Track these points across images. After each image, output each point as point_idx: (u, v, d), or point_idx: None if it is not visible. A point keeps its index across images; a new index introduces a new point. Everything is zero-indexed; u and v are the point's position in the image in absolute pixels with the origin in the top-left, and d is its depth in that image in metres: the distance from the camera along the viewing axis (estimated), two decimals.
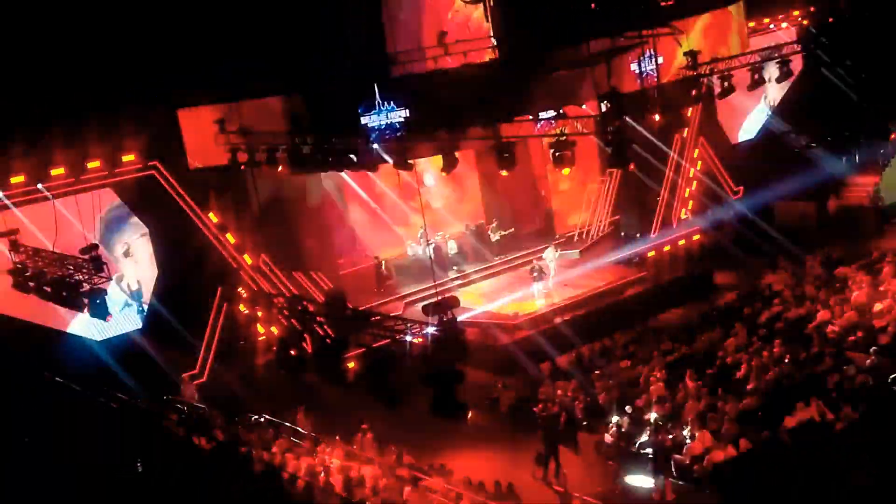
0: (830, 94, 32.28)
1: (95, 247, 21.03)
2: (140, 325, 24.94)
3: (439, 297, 17.71)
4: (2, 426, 20.71)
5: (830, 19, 32.96)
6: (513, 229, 32.68)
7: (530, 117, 26.14)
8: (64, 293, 20.21)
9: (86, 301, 19.69)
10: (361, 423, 20.91)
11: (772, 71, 27.62)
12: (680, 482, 17.88)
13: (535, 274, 28.00)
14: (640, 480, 18.37)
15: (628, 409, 20.12)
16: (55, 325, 23.47)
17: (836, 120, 32.58)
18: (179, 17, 23.09)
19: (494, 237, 32.18)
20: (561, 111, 27.32)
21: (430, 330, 16.91)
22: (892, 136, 32.90)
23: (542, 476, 19.34)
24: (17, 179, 22.58)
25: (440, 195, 32.51)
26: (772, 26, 34.27)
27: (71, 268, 20.27)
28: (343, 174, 28.40)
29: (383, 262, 30.21)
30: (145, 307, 24.97)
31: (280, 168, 23.45)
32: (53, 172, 23.01)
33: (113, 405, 22.05)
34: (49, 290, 20.49)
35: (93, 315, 20.33)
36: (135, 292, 25.15)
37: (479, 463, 19.96)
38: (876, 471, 16.15)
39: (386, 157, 22.60)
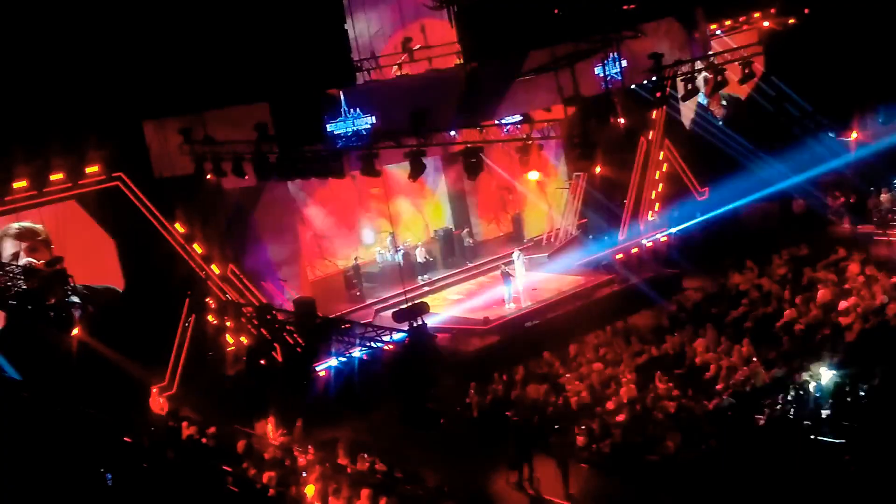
0: (783, 100, 32.52)
1: (60, 259, 20.82)
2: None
3: (409, 304, 17.70)
4: None
5: (792, 20, 33.25)
6: (487, 234, 32.78)
7: (496, 122, 26.19)
8: (28, 307, 19.98)
9: (51, 314, 19.48)
10: (334, 431, 20.83)
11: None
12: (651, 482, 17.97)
13: (504, 278, 28.06)
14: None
15: (599, 410, 20.20)
16: None
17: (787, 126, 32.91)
18: (142, 28, 22.91)
19: (467, 241, 32.25)
20: (527, 115, 27.37)
21: (401, 336, 16.90)
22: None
23: (516, 481, 19.36)
24: None
25: (408, 201, 32.47)
26: (734, 28, 34.56)
27: (35, 281, 20.02)
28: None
29: (356, 261, 30.13)
30: None
31: (246, 177, 23.33)
32: (16, 185, 22.72)
33: (80, 417, 21.85)
34: (13, 303, 20.24)
35: (58, 328, 20.13)
36: None
37: (453, 469, 19.93)
38: (850, 469, 16.36)
39: (353, 164, 22.55)
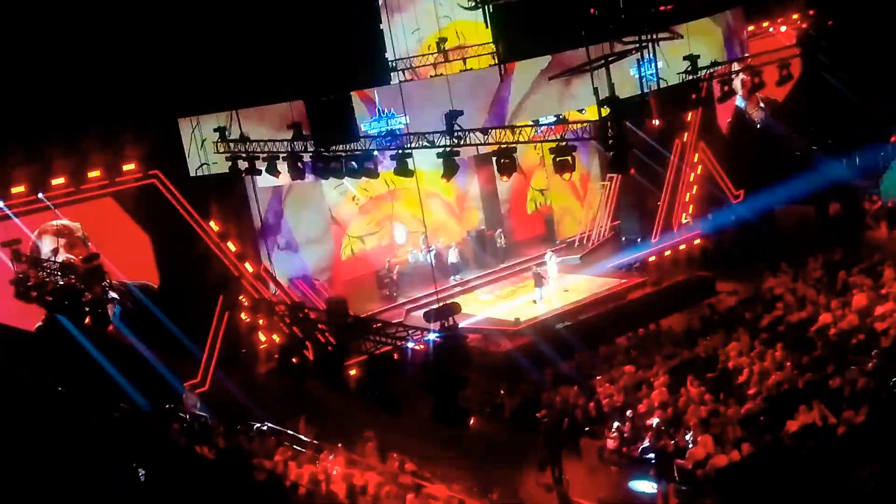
0: (830, 97, 32.27)
1: (97, 256, 21.11)
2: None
3: (441, 304, 17.69)
4: (4, 434, 20.77)
5: (830, 22, 32.94)
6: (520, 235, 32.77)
7: (530, 123, 26.13)
8: (66, 302, 20.27)
9: (87, 310, 19.74)
10: (364, 430, 20.88)
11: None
12: (682, 487, 17.85)
13: (536, 280, 28.01)
14: (643, 486, 18.38)
15: (630, 414, 20.11)
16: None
17: (835, 123, 32.57)
18: (179, 25, 23.12)
19: (500, 242, 32.23)
20: (561, 116, 27.30)
21: (432, 336, 16.91)
22: (893, 138, 32.90)
23: (545, 482, 19.32)
24: (17, 189, 22.62)
25: (440, 201, 32.49)
26: (770, 30, 34.29)
27: (72, 277, 20.32)
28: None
29: (395, 266, 30.26)
30: None
31: (280, 176, 23.46)
32: (54, 182, 23.03)
33: (115, 414, 22.12)
34: (50, 299, 20.54)
35: (94, 324, 20.40)
36: None
37: (482, 470, 19.93)
38: (879, 474, 16.14)
39: (387, 163, 22.61)
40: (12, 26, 21.97)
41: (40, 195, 22.93)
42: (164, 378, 23.86)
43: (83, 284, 19.91)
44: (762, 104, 34.59)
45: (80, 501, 18.81)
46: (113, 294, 22.40)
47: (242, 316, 25.52)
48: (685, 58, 25.48)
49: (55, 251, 23.74)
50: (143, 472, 19.74)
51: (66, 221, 23.89)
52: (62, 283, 20.41)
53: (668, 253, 30.50)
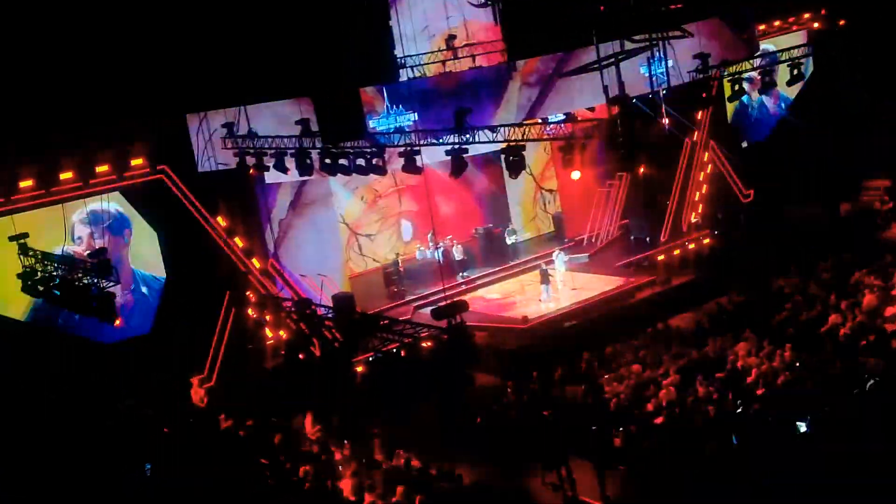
0: (842, 96, 32.15)
1: (104, 251, 21.11)
2: (148, 329, 24.95)
3: (448, 301, 17.69)
4: (6, 429, 20.83)
5: (842, 21, 32.80)
6: (528, 233, 32.70)
7: (539, 120, 26.08)
8: (73, 296, 20.27)
9: (94, 304, 19.75)
10: (370, 427, 20.85)
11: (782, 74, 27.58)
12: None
13: (542, 277, 27.96)
14: None
15: (637, 413, 20.01)
16: None
17: (847, 122, 32.42)
18: (187, 21, 23.11)
19: (510, 240, 32.20)
20: (570, 114, 27.24)
21: (440, 334, 16.91)
22: None
23: (552, 481, 19.24)
24: (25, 183, 22.62)
25: (448, 198, 32.43)
26: (781, 29, 34.15)
27: (80, 271, 20.33)
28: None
29: (400, 260, 30.22)
30: None
31: (288, 172, 23.44)
32: (62, 176, 23.02)
33: (121, 408, 22.16)
34: (58, 293, 20.55)
35: (101, 319, 20.41)
36: None
37: (488, 468, 19.88)
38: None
39: (395, 161, 22.59)
40: (20, 21, 21.98)
41: (48, 189, 22.92)
42: (170, 373, 23.89)
43: (91, 278, 19.92)
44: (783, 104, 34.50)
45: (88, 496, 18.84)
46: (120, 288, 22.43)
47: (249, 312, 25.51)
48: (695, 56, 25.44)
49: (82, 239, 23.85)
50: (149, 466, 19.77)
51: (98, 207, 23.89)
52: (69, 277, 20.43)
53: (676, 252, 30.38)
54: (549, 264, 29.09)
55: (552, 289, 28.00)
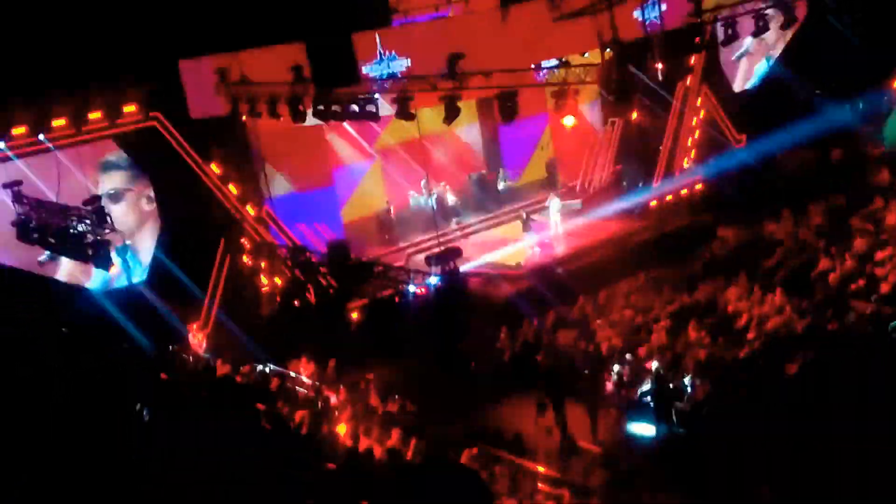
0: (835, 41, 31.96)
1: (98, 198, 21.13)
2: (144, 277, 25.04)
3: (442, 248, 17.80)
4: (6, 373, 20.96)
5: None
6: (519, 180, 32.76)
7: (532, 66, 25.97)
8: (68, 244, 20.34)
9: (90, 252, 19.82)
10: (365, 373, 21.08)
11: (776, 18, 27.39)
12: (681, 430, 18.08)
13: (524, 225, 28.10)
14: (642, 428, 18.60)
15: (629, 357, 20.28)
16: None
17: (839, 68, 32.29)
18: None
19: (501, 185, 32.23)
20: (563, 60, 27.11)
21: (434, 280, 17.04)
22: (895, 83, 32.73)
23: (546, 425, 19.54)
24: (18, 131, 22.48)
25: (441, 144, 32.38)
26: None
27: (74, 219, 20.35)
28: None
29: (388, 204, 30.28)
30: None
31: (282, 118, 23.37)
32: (55, 123, 22.91)
33: (118, 355, 22.28)
34: (53, 241, 20.61)
35: (97, 266, 20.52)
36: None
37: (483, 412, 20.16)
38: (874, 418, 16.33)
39: (388, 107, 22.54)
40: None
41: (41, 136, 22.82)
42: (166, 320, 24.02)
43: (86, 226, 19.96)
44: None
45: (85, 440, 19.02)
46: (115, 235, 22.45)
47: (244, 259, 25.58)
48: (689, 0, 25.21)
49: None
50: (147, 411, 19.94)
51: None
52: (64, 224, 20.45)
53: (669, 197, 30.49)
54: (534, 212, 29.08)
55: (540, 235, 28.09)
